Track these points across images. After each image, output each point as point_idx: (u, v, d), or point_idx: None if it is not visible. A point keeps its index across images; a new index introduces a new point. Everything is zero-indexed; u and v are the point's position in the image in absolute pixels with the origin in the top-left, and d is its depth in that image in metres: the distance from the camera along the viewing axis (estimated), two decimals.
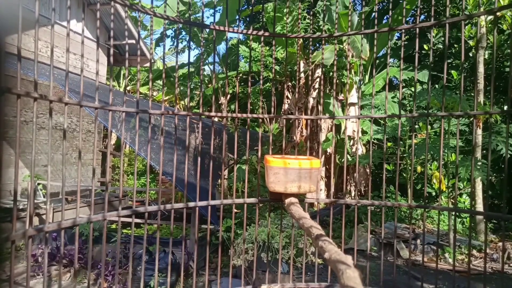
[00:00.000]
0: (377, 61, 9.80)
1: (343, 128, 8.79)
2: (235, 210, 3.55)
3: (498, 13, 2.09)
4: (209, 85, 11.77)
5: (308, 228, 1.57)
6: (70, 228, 1.84)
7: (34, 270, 4.28)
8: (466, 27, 6.84)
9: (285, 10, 8.73)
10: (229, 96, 11.37)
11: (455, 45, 8.95)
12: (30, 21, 5.12)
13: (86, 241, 4.68)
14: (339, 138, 8.80)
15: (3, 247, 1.69)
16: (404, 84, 9.35)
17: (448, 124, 5.32)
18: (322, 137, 8.78)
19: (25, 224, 5.35)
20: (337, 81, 8.90)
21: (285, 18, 8.59)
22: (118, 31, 7.86)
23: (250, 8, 2.74)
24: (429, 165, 6.46)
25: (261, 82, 2.32)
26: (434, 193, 8.05)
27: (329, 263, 1.17)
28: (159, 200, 2.29)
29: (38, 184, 5.95)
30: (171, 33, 10.90)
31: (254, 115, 2.64)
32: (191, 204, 2.40)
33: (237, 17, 9.60)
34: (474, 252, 5.72)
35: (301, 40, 8.10)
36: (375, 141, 8.14)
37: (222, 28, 2.49)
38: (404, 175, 7.17)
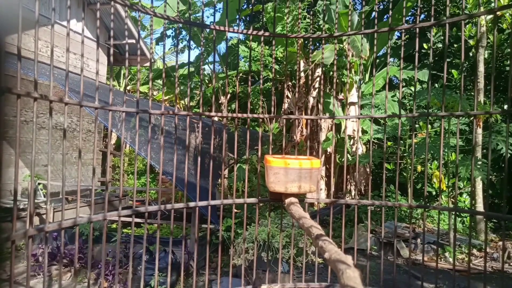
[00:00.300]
0: (377, 60, 9.80)
1: (343, 127, 8.79)
2: (235, 210, 3.54)
3: (498, 13, 2.09)
4: (209, 85, 11.77)
5: (308, 228, 1.57)
6: (70, 228, 1.85)
7: (34, 270, 4.29)
8: (466, 26, 6.83)
9: (285, 10, 8.73)
10: (229, 95, 11.37)
11: (455, 45, 8.95)
12: (30, 21, 5.12)
13: (86, 240, 4.69)
14: (339, 137, 8.80)
15: (3, 247, 1.70)
16: (404, 84, 9.34)
17: (448, 123, 5.32)
18: (322, 136, 8.78)
19: (26, 224, 5.35)
20: (337, 80, 8.90)
21: (285, 18, 8.59)
22: (118, 30, 7.86)
23: (250, 8, 2.74)
24: (429, 165, 6.46)
25: (261, 81, 2.32)
26: (434, 193, 8.05)
27: (329, 263, 1.17)
28: (159, 200, 2.29)
29: (38, 184, 5.96)
30: (171, 33, 10.90)
31: (254, 115, 2.64)
32: (192, 204, 2.40)
33: (237, 16, 9.60)
34: (474, 251, 5.72)
35: (301, 39, 8.10)
36: (375, 141, 8.14)
37: (222, 28, 2.49)
38: (404, 174, 7.17)
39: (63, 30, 6.62)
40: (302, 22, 8.90)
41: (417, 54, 2.41)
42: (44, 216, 5.67)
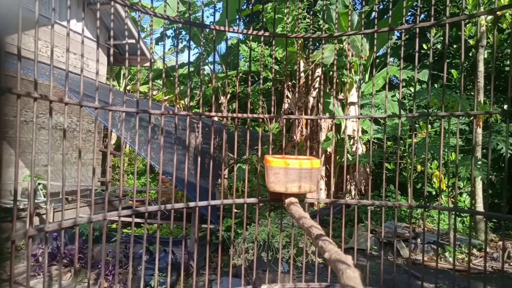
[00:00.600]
0: (377, 60, 9.80)
1: (343, 127, 8.79)
2: (235, 210, 3.54)
3: (498, 13, 2.09)
4: (209, 85, 11.77)
5: (308, 228, 1.57)
6: (70, 228, 1.85)
7: (34, 270, 4.29)
8: (466, 26, 6.83)
9: (285, 10, 8.73)
10: (229, 95, 11.37)
11: (455, 45, 8.95)
12: (30, 21, 5.12)
13: (86, 241, 4.69)
14: (339, 137, 8.80)
15: (3, 247, 1.70)
16: (404, 84, 9.34)
17: (448, 123, 5.32)
18: (322, 136, 8.78)
19: (26, 224, 5.35)
20: (337, 80, 8.90)
21: (285, 18, 8.59)
22: (118, 31, 7.86)
23: (250, 8, 2.74)
24: (429, 164, 6.46)
25: (261, 81, 2.32)
26: (434, 192, 8.05)
27: (329, 263, 1.17)
28: (159, 200, 2.29)
29: (38, 184, 5.95)
30: (171, 33, 10.90)
31: (254, 115, 2.64)
32: (192, 204, 2.40)
33: (237, 17, 9.60)
34: (474, 251, 5.72)
35: (301, 39, 8.10)
36: (375, 141, 8.14)
37: (222, 28, 2.49)
38: (404, 174, 7.17)
39: (63, 30, 6.62)
40: (302, 22, 8.90)
41: (417, 54, 2.41)
42: (44, 216, 5.67)
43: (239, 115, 2.56)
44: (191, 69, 11.70)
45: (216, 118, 2.72)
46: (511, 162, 4.77)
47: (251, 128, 10.18)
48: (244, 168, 8.16)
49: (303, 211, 1.95)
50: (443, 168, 6.01)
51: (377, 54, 9.70)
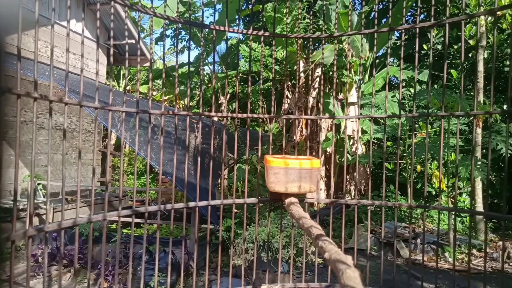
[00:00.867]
0: (377, 60, 9.80)
1: (343, 127, 8.79)
2: (235, 210, 3.54)
3: (498, 13, 2.09)
4: (209, 85, 11.77)
5: (308, 228, 1.57)
6: (70, 228, 1.85)
7: (34, 270, 4.28)
8: (467, 26, 6.84)
9: (284, 10, 8.73)
10: (229, 95, 11.37)
11: (454, 46, 8.96)
12: (30, 21, 5.12)
13: (86, 241, 4.68)
14: (339, 137, 8.80)
15: (3, 247, 1.69)
16: (404, 84, 9.35)
17: (448, 123, 5.32)
18: (322, 136, 8.78)
19: (25, 224, 5.35)
20: (337, 80, 8.90)
21: (285, 19, 8.59)
22: (118, 31, 7.86)
23: (250, 8, 2.74)
24: (429, 165, 6.47)
25: (261, 82, 2.32)
26: (434, 193, 8.05)
27: (329, 263, 1.17)
28: (159, 200, 2.29)
29: (38, 184, 5.95)
30: (171, 33, 10.90)
31: (254, 115, 2.64)
32: (191, 204, 2.40)
33: (236, 17, 9.60)
34: (474, 251, 5.72)
35: (300, 39, 8.10)
36: (375, 141, 8.15)
37: (222, 28, 2.49)
38: (404, 174, 7.17)
39: (62, 30, 6.62)
40: (301, 22, 8.90)
41: (417, 55, 2.41)
42: (43, 216, 5.67)
43: (239, 115, 2.56)
44: (191, 69, 11.70)
45: (216, 118, 2.72)
46: (511, 162, 4.77)
47: (251, 128, 10.18)
48: (244, 168, 8.16)
49: (303, 211, 1.95)
50: (443, 168, 6.01)
51: (377, 54, 9.71)
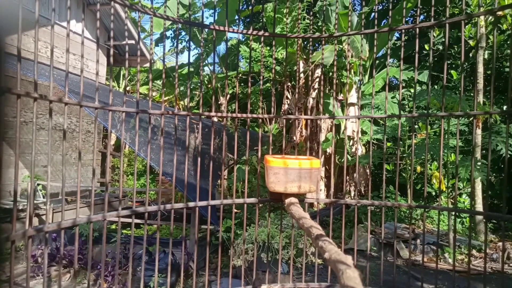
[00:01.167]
0: (377, 61, 9.81)
1: (342, 128, 8.79)
2: (235, 210, 3.54)
3: (498, 13, 2.09)
4: (209, 86, 11.78)
5: (308, 228, 1.57)
6: (70, 229, 1.84)
7: (34, 271, 4.28)
8: (467, 26, 6.84)
9: (284, 11, 8.73)
10: (228, 96, 11.37)
11: (455, 46, 8.96)
12: (30, 22, 5.12)
13: (86, 241, 4.68)
14: (338, 138, 8.80)
15: (3, 247, 1.69)
16: (404, 85, 9.35)
17: (448, 124, 5.32)
18: (322, 137, 8.78)
19: (25, 225, 5.35)
20: (337, 81, 8.90)
21: (284, 19, 8.59)
22: (118, 31, 7.86)
23: (250, 8, 2.75)
24: (429, 165, 6.46)
25: (261, 82, 2.32)
26: (434, 193, 8.05)
27: (329, 263, 1.17)
28: (159, 201, 2.29)
29: (38, 184, 5.95)
30: (171, 34, 10.91)
31: (254, 115, 2.64)
32: (191, 204, 2.40)
33: (236, 17, 9.61)
34: (474, 252, 5.72)
35: (300, 40, 8.10)
36: (375, 141, 8.15)
37: (222, 28, 2.49)
38: (404, 175, 7.17)
39: (62, 30, 6.62)
40: (301, 23, 8.90)
41: (417, 55, 2.41)
42: (43, 217, 5.67)
43: (239, 115, 2.56)
44: (191, 69, 11.71)
45: (215, 119, 2.72)
46: (510, 163, 4.77)
47: (250, 129, 10.18)
48: (244, 169, 8.16)
49: (303, 211, 1.95)
50: (443, 169, 6.01)
51: (377, 55, 9.71)
